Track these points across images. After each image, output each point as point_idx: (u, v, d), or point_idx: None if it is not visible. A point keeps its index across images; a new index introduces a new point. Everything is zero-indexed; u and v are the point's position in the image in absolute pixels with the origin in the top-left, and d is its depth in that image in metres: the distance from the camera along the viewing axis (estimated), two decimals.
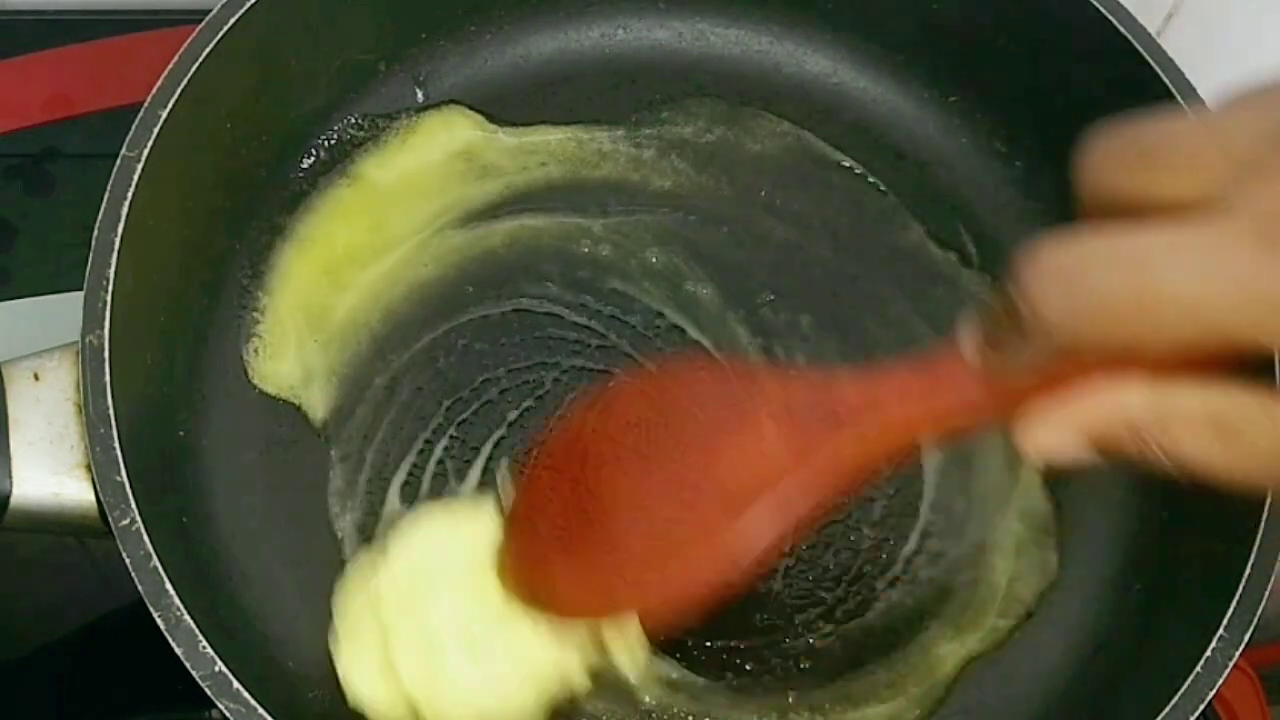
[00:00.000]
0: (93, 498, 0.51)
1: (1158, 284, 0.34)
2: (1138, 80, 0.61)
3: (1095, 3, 0.61)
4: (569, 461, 0.52)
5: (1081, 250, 0.36)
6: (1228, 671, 0.51)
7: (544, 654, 0.52)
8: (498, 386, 0.62)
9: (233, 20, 0.58)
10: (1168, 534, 0.60)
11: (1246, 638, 0.52)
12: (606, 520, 0.50)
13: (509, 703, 0.53)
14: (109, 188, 0.54)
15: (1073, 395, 0.39)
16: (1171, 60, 0.60)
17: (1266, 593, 0.53)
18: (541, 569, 0.52)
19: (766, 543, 0.46)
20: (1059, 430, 0.40)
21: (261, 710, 0.48)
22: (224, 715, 0.48)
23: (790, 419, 0.45)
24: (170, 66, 0.57)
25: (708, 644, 0.58)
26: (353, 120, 0.66)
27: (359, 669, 0.54)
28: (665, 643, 0.58)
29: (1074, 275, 0.36)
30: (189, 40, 0.57)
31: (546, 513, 0.53)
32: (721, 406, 0.47)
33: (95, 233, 0.53)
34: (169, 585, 0.49)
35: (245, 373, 0.61)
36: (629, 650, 0.54)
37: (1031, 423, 0.40)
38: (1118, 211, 0.36)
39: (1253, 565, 0.53)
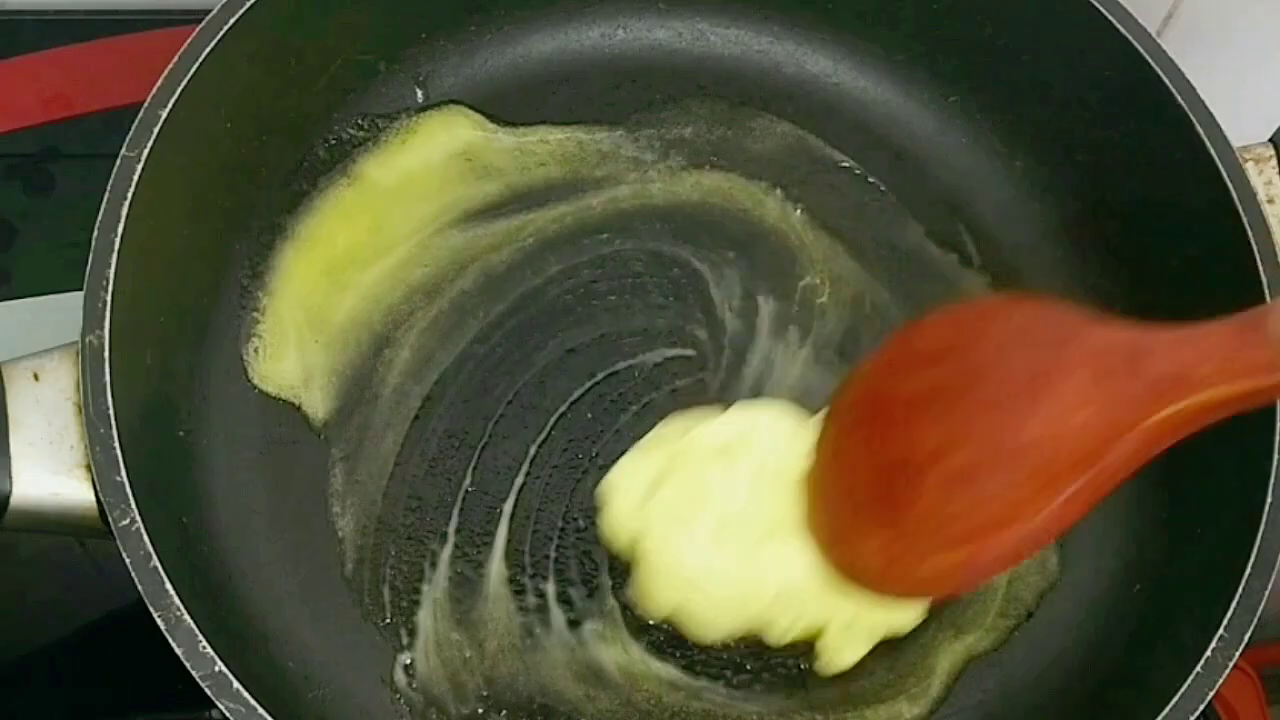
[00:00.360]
0: (93, 498, 0.51)
1: None
2: (1138, 80, 0.61)
3: (1095, 3, 0.61)
4: (867, 412, 0.49)
5: None
6: (1228, 671, 0.51)
7: (772, 583, 0.53)
8: (498, 385, 0.62)
9: (233, 20, 0.58)
10: (1168, 534, 0.60)
11: (1246, 638, 0.52)
12: (905, 487, 0.46)
13: (709, 598, 0.54)
14: (109, 188, 0.54)
15: None
16: (1171, 60, 0.60)
17: (1266, 593, 0.53)
18: (835, 523, 0.50)
19: (1065, 521, 0.43)
20: None
21: (261, 710, 0.48)
22: (224, 715, 0.48)
23: (1110, 381, 0.41)
24: (170, 66, 0.57)
25: (708, 644, 0.58)
26: (353, 120, 0.66)
27: (630, 476, 0.56)
28: (665, 642, 0.58)
29: None
30: (189, 40, 0.57)
31: (845, 469, 0.50)
32: (1036, 354, 0.43)
33: (95, 233, 0.53)
34: (169, 585, 0.49)
35: (245, 373, 0.61)
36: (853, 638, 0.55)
37: None
38: None
39: (1253, 565, 0.53)
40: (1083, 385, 0.41)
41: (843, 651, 0.56)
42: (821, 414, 0.53)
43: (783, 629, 0.55)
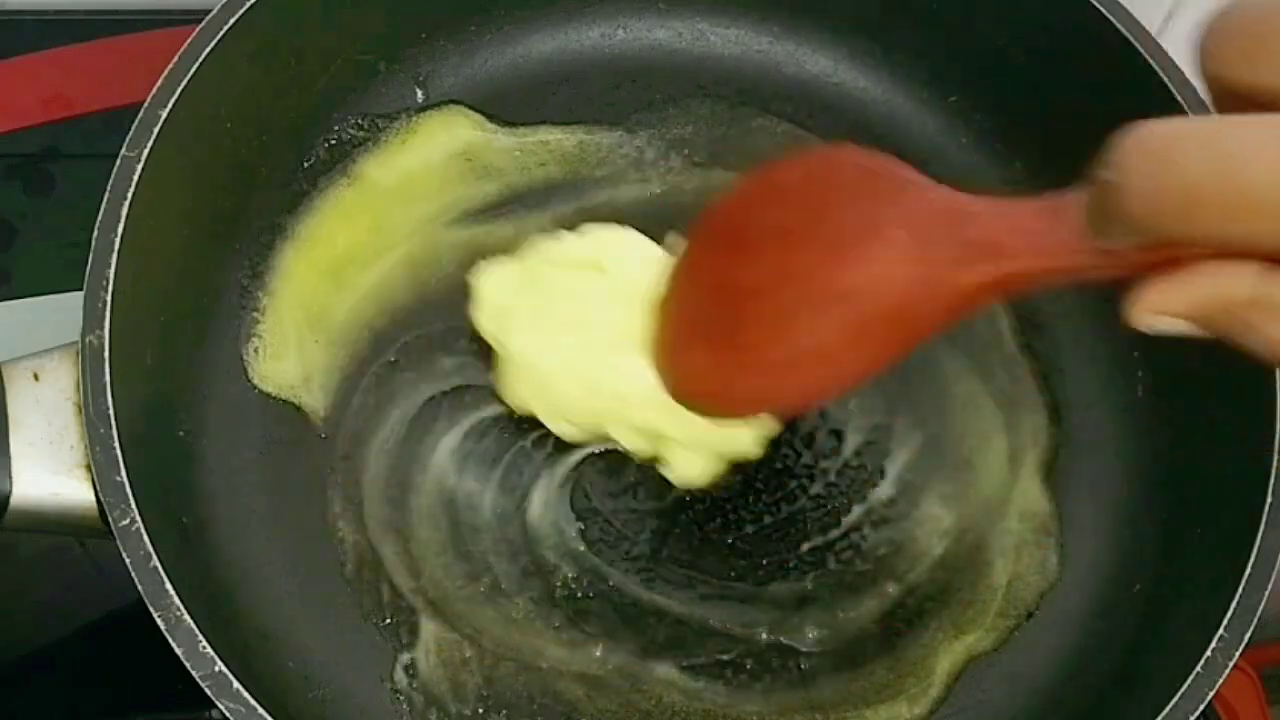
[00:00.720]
0: (93, 498, 0.51)
1: (1247, 179, 0.32)
2: (1138, 80, 0.61)
3: (1095, 3, 0.61)
4: (713, 241, 0.51)
5: (1177, 133, 0.33)
6: (1228, 671, 0.51)
7: (617, 390, 0.57)
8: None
9: (233, 20, 0.58)
10: (1168, 533, 0.60)
11: (1246, 638, 0.52)
12: (733, 314, 0.49)
13: (559, 395, 0.59)
14: (109, 188, 0.54)
15: (1182, 272, 0.36)
16: (1171, 60, 0.60)
17: (1266, 593, 0.53)
18: (672, 347, 0.53)
19: (873, 366, 0.45)
20: (1166, 305, 0.37)
21: (261, 710, 0.48)
22: (224, 715, 0.48)
23: (920, 239, 0.43)
24: (170, 66, 0.57)
25: (708, 643, 0.58)
26: (353, 120, 0.66)
27: (498, 276, 0.60)
28: (665, 640, 0.58)
29: (1164, 158, 0.33)
30: (189, 40, 0.57)
31: (685, 292, 0.53)
32: (868, 207, 0.45)
33: (95, 233, 0.53)
34: (169, 585, 0.49)
35: (245, 373, 0.61)
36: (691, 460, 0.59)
37: (1141, 295, 0.37)
38: (1242, 104, 0.33)
39: (1253, 565, 0.53)
40: (901, 241, 0.43)
41: (688, 467, 0.59)
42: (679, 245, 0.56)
43: (629, 437, 0.59)
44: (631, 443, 0.59)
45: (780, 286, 0.47)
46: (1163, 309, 0.37)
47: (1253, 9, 0.34)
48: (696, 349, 0.52)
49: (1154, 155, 0.33)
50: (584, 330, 0.58)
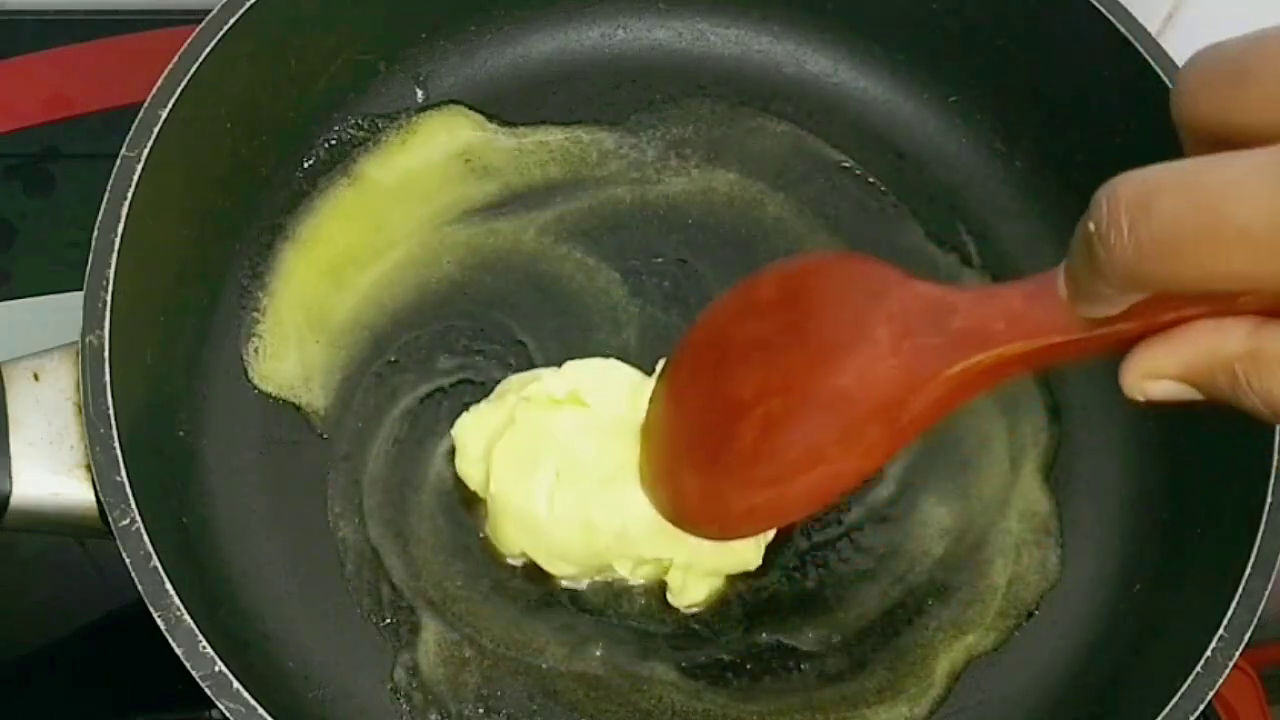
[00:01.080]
0: (93, 498, 0.51)
1: (1229, 217, 0.31)
2: (1138, 80, 0.61)
3: (1095, 3, 0.61)
4: (698, 359, 0.52)
5: (1156, 180, 0.33)
6: (1228, 671, 0.51)
7: (611, 526, 0.55)
8: (498, 386, 0.62)
9: (233, 20, 0.58)
10: (1168, 534, 0.60)
11: (1246, 638, 0.52)
12: (724, 431, 0.49)
13: (553, 540, 0.56)
14: (109, 188, 0.54)
15: (1174, 334, 0.37)
16: (1171, 60, 0.60)
17: (1266, 593, 0.53)
18: (666, 471, 0.53)
19: (871, 464, 0.46)
20: (1159, 368, 0.37)
21: (261, 710, 0.48)
22: (224, 715, 0.48)
23: (914, 335, 0.43)
24: (170, 66, 0.57)
25: (708, 644, 0.58)
26: (353, 120, 0.66)
27: (477, 424, 0.58)
28: (666, 643, 0.58)
29: (1144, 205, 0.33)
30: (189, 40, 0.57)
31: (673, 413, 0.53)
32: (850, 309, 0.45)
33: (95, 233, 0.53)
34: (169, 585, 0.49)
35: (245, 373, 0.61)
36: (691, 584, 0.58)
37: (1133, 361, 0.38)
38: (1216, 146, 0.33)
39: (1253, 565, 0.53)
40: (888, 338, 0.43)
41: (688, 590, 0.58)
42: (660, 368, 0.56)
43: (629, 568, 0.58)
44: (635, 574, 0.58)
45: (767, 398, 0.47)
46: (1157, 371, 0.37)
47: (1225, 52, 0.34)
48: (690, 471, 0.52)
49: (1134, 204, 0.33)
50: (572, 469, 0.56)
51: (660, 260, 0.65)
